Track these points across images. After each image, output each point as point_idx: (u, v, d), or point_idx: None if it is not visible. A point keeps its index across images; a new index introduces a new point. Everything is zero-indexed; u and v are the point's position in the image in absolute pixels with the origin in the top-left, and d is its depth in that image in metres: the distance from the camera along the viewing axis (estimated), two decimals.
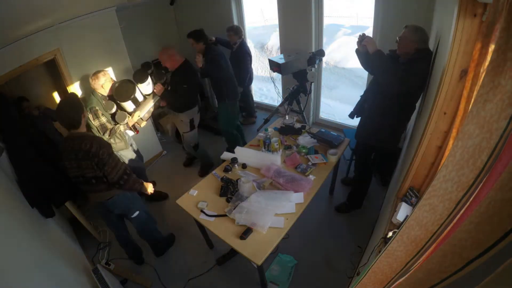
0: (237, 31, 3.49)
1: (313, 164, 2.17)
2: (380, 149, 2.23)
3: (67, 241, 2.27)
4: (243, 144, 3.13)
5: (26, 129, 2.15)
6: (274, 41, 6.12)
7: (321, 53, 2.92)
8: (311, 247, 2.34)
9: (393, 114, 1.95)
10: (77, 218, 2.46)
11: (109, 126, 2.42)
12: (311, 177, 2.06)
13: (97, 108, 2.32)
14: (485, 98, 0.56)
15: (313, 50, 3.14)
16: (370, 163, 2.35)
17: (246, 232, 1.66)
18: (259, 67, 6.08)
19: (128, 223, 2.18)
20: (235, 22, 3.90)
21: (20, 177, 1.93)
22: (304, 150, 2.30)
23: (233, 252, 2.25)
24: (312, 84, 3.19)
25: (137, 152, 2.85)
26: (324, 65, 3.68)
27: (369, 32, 2.91)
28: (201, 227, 2.11)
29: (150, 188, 2.02)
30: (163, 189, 3.25)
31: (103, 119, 2.36)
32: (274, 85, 3.53)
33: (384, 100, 1.96)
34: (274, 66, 2.98)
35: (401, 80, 1.75)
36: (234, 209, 1.81)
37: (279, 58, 2.98)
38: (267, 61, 3.21)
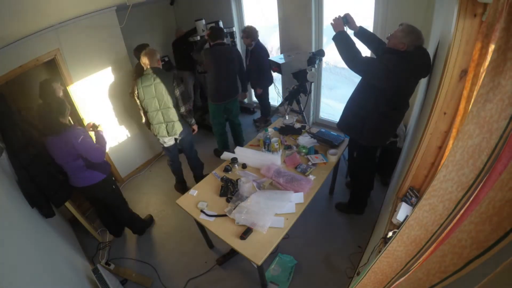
0: (249, 33, 3.30)
1: (313, 164, 2.17)
2: (354, 141, 2.23)
3: (67, 241, 2.27)
4: (236, 144, 3.41)
5: (26, 129, 2.14)
6: (274, 41, 6.13)
7: (321, 53, 2.92)
8: (311, 247, 2.34)
9: (368, 108, 1.91)
10: (77, 218, 2.46)
11: None
12: (311, 177, 2.06)
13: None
14: (485, 98, 0.56)
15: (313, 50, 3.14)
16: (359, 161, 2.31)
17: (246, 232, 1.67)
18: None
19: None
20: (235, 22, 3.91)
21: (20, 177, 1.93)
22: (304, 150, 2.30)
23: (233, 252, 2.25)
24: (312, 84, 3.19)
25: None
26: (324, 65, 3.68)
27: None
28: (201, 227, 2.11)
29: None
30: (163, 188, 3.25)
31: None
32: (274, 85, 3.53)
33: (362, 91, 1.96)
34: (274, 66, 2.98)
35: (361, 63, 1.75)
36: (234, 209, 1.81)
37: (279, 58, 2.98)
38: None
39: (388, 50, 1.76)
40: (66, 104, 1.96)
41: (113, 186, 2.33)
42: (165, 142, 2.73)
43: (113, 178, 2.34)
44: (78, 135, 1.92)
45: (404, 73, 1.69)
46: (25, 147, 2.00)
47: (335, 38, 1.86)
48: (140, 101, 2.48)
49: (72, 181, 2.11)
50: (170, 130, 2.59)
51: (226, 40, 3.65)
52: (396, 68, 1.67)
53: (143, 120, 2.62)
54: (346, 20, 1.89)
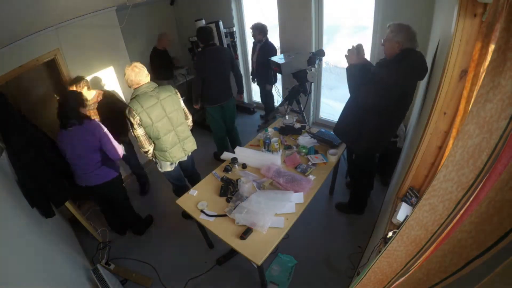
0: (262, 30, 3.39)
1: (313, 164, 2.17)
2: (352, 148, 2.24)
3: (67, 241, 2.27)
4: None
5: (27, 129, 2.14)
6: (274, 41, 6.15)
7: (321, 53, 2.92)
8: (311, 247, 2.34)
9: (364, 116, 1.91)
10: (77, 218, 2.46)
11: None
12: (311, 177, 2.06)
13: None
14: (485, 98, 0.56)
15: (313, 50, 3.14)
16: (358, 162, 2.33)
17: (246, 232, 1.67)
18: None
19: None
20: (235, 22, 3.91)
21: (20, 177, 1.92)
22: (304, 150, 2.30)
23: (233, 252, 2.25)
24: (312, 84, 3.19)
25: None
26: (324, 65, 3.68)
27: (369, 32, 2.92)
28: (201, 227, 2.11)
29: None
30: (163, 188, 3.25)
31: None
32: (274, 85, 3.53)
33: (359, 104, 1.94)
34: (274, 66, 2.98)
35: (375, 95, 1.74)
36: (234, 209, 1.81)
37: (279, 58, 2.98)
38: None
39: (396, 61, 1.71)
40: (84, 97, 2.08)
41: (123, 185, 2.37)
42: (171, 165, 2.34)
43: (121, 177, 2.38)
44: (102, 127, 2.00)
45: (403, 86, 1.70)
46: (26, 147, 2.00)
47: (348, 70, 1.90)
48: (145, 128, 2.00)
49: (82, 179, 2.10)
50: (187, 147, 2.30)
51: (226, 40, 3.65)
52: (406, 77, 1.68)
53: (150, 152, 2.15)
54: (358, 50, 1.89)
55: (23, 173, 1.93)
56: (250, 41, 4.23)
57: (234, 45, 3.80)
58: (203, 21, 3.53)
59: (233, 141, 3.39)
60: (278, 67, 2.89)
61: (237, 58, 3.94)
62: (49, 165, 2.14)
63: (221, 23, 3.52)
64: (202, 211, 1.88)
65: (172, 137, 2.15)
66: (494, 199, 0.42)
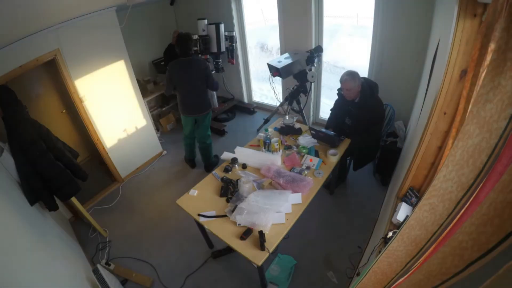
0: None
1: (307, 168, 2.13)
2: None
3: (67, 241, 2.27)
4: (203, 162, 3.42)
5: (34, 124, 2.14)
6: (274, 41, 6.14)
7: (319, 49, 2.90)
8: (311, 247, 2.34)
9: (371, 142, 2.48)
10: (76, 219, 2.46)
11: None
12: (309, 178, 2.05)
13: None
14: (485, 98, 0.56)
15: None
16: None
17: (246, 233, 1.66)
18: (259, 66, 6.10)
19: None
20: (235, 22, 3.90)
21: (23, 173, 1.92)
22: (304, 150, 2.30)
23: (229, 250, 2.25)
24: (312, 84, 3.19)
25: None
26: (324, 65, 3.67)
27: (369, 32, 2.92)
28: (201, 227, 2.11)
29: None
30: (163, 188, 3.25)
31: None
32: (273, 90, 3.39)
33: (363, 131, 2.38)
34: (273, 71, 2.96)
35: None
36: (233, 210, 1.80)
37: (277, 62, 2.95)
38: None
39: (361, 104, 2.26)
40: None
41: None
42: None
43: None
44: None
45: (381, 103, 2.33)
46: (35, 141, 2.00)
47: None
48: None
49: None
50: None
51: (226, 44, 3.64)
52: (381, 104, 2.34)
53: None
54: None
55: (28, 168, 1.93)
56: (249, 41, 4.23)
57: (232, 50, 3.79)
58: (205, 21, 3.50)
59: (203, 155, 3.34)
60: (278, 72, 2.88)
61: (233, 63, 3.93)
62: (59, 160, 2.14)
63: (222, 26, 3.50)
64: (200, 214, 1.87)
65: None
66: (495, 200, 0.42)
